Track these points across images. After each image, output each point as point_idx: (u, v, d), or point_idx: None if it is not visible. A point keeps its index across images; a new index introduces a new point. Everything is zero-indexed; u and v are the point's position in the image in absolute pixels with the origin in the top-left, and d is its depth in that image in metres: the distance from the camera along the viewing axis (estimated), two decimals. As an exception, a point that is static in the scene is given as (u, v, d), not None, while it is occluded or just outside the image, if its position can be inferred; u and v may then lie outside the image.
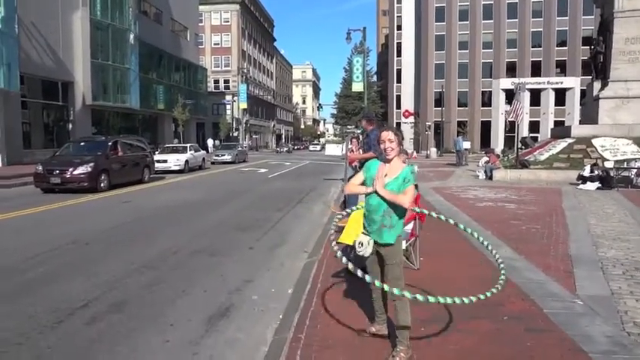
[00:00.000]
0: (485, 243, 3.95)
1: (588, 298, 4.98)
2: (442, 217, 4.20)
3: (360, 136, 14.79)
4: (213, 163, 30.52)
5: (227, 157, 33.49)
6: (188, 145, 28.28)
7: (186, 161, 25.14)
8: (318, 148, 77.35)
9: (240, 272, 6.45)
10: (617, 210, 11.20)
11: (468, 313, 4.52)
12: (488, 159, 23.39)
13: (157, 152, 26.81)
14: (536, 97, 59.43)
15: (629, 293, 5.17)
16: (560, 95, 58.99)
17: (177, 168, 24.27)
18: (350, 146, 17.67)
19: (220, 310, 5.07)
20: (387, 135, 3.65)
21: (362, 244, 3.73)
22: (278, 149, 69.77)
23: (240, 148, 38.33)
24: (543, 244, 7.50)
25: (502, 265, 3.83)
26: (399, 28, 75.42)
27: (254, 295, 5.45)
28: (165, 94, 45.09)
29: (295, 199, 14.06)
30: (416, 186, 3.56)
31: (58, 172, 15.28)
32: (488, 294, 3.48)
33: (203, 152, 29.44)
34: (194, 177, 22.83)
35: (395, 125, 57.49)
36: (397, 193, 3.56)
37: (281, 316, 4.75)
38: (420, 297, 3.24)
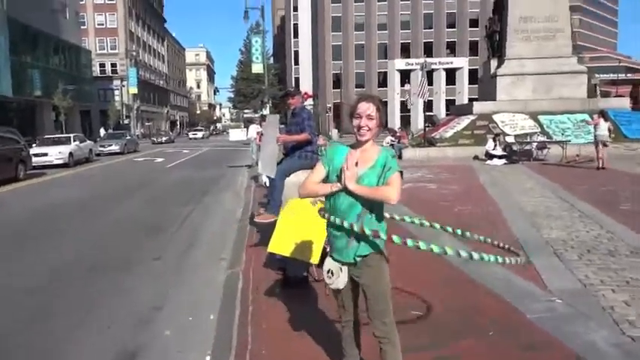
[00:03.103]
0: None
1: (563, 293, 4.36)
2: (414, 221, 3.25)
3: (267, 118, 13.62)
4: (98, 155, 27.51)
5: (114, 148, 30.37)
6: (72, 135, 25.21)
7: (71, 154, 22.29)
8: (199, 135, 64.20)
9: (146, 295, 5.12)
10: (534, 185, 11.18)
11: (449, 329, 3.69)
12: (393, 138, 23.27)
13: (34, 145, 23.63)
14: (429, 76, 61.42)
15: (601, 283, 4.65)
16: (451, 75, 61.46)
17: (60, 161, 21.42)
18: (260, 129, 16.52)
19: (123, 357, 3.78)
20: (367, 108, 2.56)
21: (332, 273, 2.66)
22: (154, 139, 50.54)
23: (129, 137, 35.00)
24: (484, 228, 6.91)
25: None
26: (295, 9, 74.27)
27: (167, 330, 4.18)
28: (42, 80, 40.24)
29: (201, 191, 12.62)
30: (401, 173, 2.51)
31: None
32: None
33: (90, 143, 26.49)
34: (81, 171, 20.28)
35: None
36: (374, 186, 2.54)
37: None
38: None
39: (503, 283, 4.69)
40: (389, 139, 24.12)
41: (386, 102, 63.87)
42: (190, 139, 61.03)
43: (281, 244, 4.45)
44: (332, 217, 2.56)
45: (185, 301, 4.89)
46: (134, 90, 63.35)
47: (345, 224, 2.49)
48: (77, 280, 5.66)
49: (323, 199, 2.76)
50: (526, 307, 4.06)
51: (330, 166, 2.66)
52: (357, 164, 2.56)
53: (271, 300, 4.52)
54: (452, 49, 65.31)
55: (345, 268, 2.65)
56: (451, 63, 61.09)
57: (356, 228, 2.46)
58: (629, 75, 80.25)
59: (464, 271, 5.15)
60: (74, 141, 23.71)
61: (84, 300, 4.99)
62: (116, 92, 63.02)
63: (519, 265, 2.72)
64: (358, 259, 2.60)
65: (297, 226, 4.55)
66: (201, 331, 4.16)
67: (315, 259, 4.33)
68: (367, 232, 2.45)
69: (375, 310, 2.66)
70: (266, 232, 6.31)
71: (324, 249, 4.54)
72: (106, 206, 10.66)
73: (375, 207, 2.58)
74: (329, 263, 2.69)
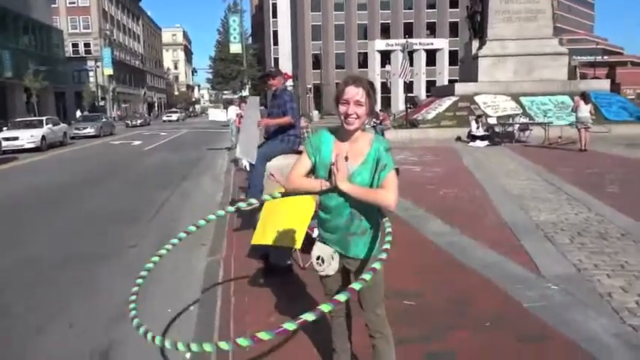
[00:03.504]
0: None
1: (558, 279, 4.22)
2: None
3: (247, 100, 13.24)
4: (73, 138, 26.70)
5: (90, 131, 29.44)
6: (44, 118, 24.35)
7: (43, 137, 21.52)
8: (174, 118, 60.59)
9: (121, 285, 4.81)
10: (517, 167, 11.10)
11: (443, 320, 3.51)
12: (375, 120, 23.04)
13: (5, 128, 22.79)
14: (409, 58, 61.16)
15: (595, 267, 4.52)
16: (431, 56, 61.24)
17: (32, 145, 20.67)
18: (240, 111, 16.10)
19: (95, 356, 3.52)
20: (356, 93, 2.25)
21: (322, 260, 2.41)
22: (129, 122, 46.51)
23: (104, 120, 34.04)
24: (472, 212, 6.79)
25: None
26: (273, -12, 72.99)
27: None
28: (12, 61, 38.75)
29: (179, 174, 12.25)
30: (397, 171, 2.24)
31: None
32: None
33: (64, 126, 25.63)
34: (54, 155, 19.63)
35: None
36: (370, 188, 2.28)
37: (188, 357, 3.34)
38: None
39: (495, 268, 4.53)
40: (371, 122, 23.91)
41: (366, 83, 63.42)
42: (164, 121, 58.10)
43: (263, 235, 4.20)
44: (323, 214, 2.30)
45: (163, 292, 4.61)
46: (109, 71, 61.67)
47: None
48: (45, 274, 5.32)
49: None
50: (521, 295, 3.90)
51: (316, 156, 2.38)
52: (346, 159, 2.30)
53: (254, 290, 4.29)
54: (432, 30, 64.97)
55: (336, 255, 2.42)
56: (431, 44, 60.83)
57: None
58: (605, 57, 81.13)
59: (452, 254, 4.99)
60: (47, 124, 22.90)
61: (51, 295, 4.67)
62: (91, 73, 61.20)
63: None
64: (353, 255, 2.38)
65: (279, 214, 4.30)
66: (180, 324, 3.91)
67: (297, 243, 4.09)
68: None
69: (369, 301, 2.46)
70: (247, 216, 6.07)
71: (308, 233, 4.31)
72: (80, 192, 10.23)
73: (369, 207, 2.33)
74: (319, 248, 2.45)
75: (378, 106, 53.09)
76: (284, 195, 2.73)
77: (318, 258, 2.42)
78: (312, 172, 2.43)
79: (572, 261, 4.69)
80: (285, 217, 4.22)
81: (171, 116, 62.26)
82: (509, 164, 11.50)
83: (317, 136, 2.45)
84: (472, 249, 5.11)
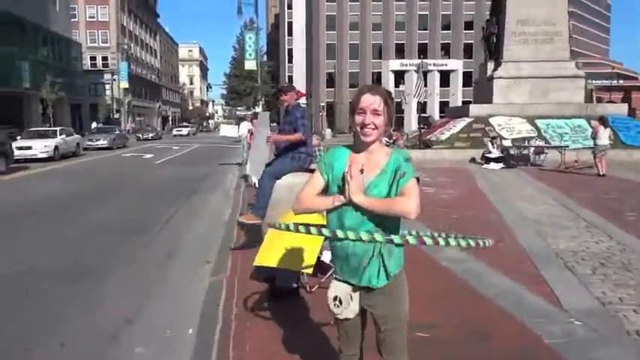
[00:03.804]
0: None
1: (580, 313, 3.94)
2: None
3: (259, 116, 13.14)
4: (86, 149, 26.93)
5: (103, 142, 29.67)
6: (58, 128, 24.52)
7: (56, 147, 21.66)
8: (184, 132, 58.81)
9: (119, 303, 4.64)
10: (534, 191, 10.81)
11: (460, 355, 3.27)
12: (387, 139, 22.87)
13: (18, 138, 22.92)
14: (423, 78, 61.22)
15: (620, 301, 4.24)
16: (445, 77, 61.27)
17: (44, 155, 20.78)
18: (252, 127, 16.02)
19: (84, 380, 3.32)
20: (373, 101, 2.08)
21: (340, 301, 2.17)
22: (140, 135, 46.35)
23: (117, 132, 34.28)
24: (486, 234, 6.51)
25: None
26: (290, 7, 73.78)
27: (138, 347, 3.70)
28: (31, 72, 39.32)
29: (188, 190, 12.11)
30: (417, 180, 2.01)
31: None
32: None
33: (77, 137, 25.79)
34: (66, 165, 19.66)
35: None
36: (386, 198, 2.07)
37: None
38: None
39: (513, 298, 4.27)
40: (383, 140, 23.71)
41: (380, 103, 63.43)
42: (174, 135, 56.68)
43: (268, 256, 3.99)
44: (339, 231, 2.08)
45: (162, 313, 4.40)
46: (125, 84, 62.35)
47: (352, 235, 2.00)
48: (41, 286, 5.13)
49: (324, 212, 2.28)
50: (542, 329, 3.63)
51: (329, 174, 2.18)
52: (362, 171, 2.11)
53: (257, 314, 4.06)
54: (446, 51, 65.12)
55: (356, 295, 2.18)
56: (445, 65, 61.02)
57: (367, 237, 1.97)
58: (621, 82, 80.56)
59: (467, 281, 4.74)
60: (60, 134, 23.09)
61: (44, 311, 4.47)
62: (107, 86, 62.01)
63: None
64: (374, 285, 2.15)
65: (287, 235, 4.09)
66: (177, 348, 3.69)
67: (308, 268, 3.88)
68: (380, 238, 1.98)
69: (391, 347, 2.21)
70: (255, 235, 5.86)
71: (319, 258, 4.11)
72: (87, 205, 10.11)
73: (387, 222, 2.10)
74: (336, 288, 2.20)
75: (391, 129, 53.09)
76: (288, 228, 2.42)
77: (335, 299, 2.17)
78: (325, 191, 2.23)
79: (594, 293, 4.41)
80: (293, 237, 4.02)
81: (181, 130, 60.95)
82: (525, 188, 11.21)
83: (331, 153, 2.26)
84: (488, 277, 4.85)
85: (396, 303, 2.20)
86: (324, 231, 2.07)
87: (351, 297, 2.17)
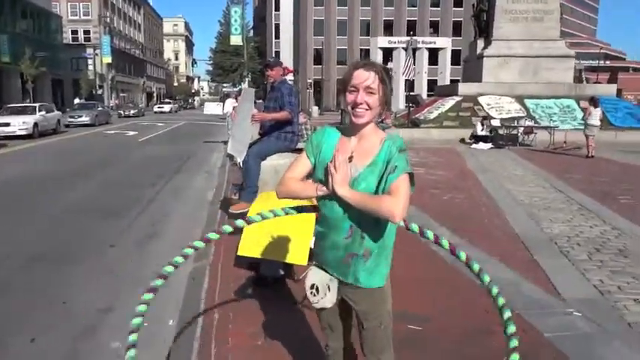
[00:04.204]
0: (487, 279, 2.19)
1: (579, 303, 3.79)
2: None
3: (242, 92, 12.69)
4: (67, 126, 26.22)
5: (85, 119, 28.78)
6: (37, 104, 23.74)
7: (36, 124, 20.97)
8: (166, 109, 55.79)
9: (95, 291, 4.39)
10: (524, 172, 10.67)
11: (455, 352, 3.08)
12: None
13: (-3, 114, 22.23)
14: (412, 56, 60.72)
15: (619, 290, 4.10)
16: (433, 55, 60.74)
17: (23, 132, 20.12)
18: (236, 104, 15.60)
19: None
20: (366, 78, 1.82)
21: (317, 289, 1.97)
22: (121, 112, 44.84)
23: (100, 108, 33.37)
24: (480, 221, 6.35)
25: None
26: (277, -19, 72.28)
27: (114, 342, 3.46)
28: (10, 45, 38.04)
29: (172, 168, 11.79)
30: (411, 176, 1.76)
31: None
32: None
33: (58, 113, 25.00)
34: (45, 143, 19.10)
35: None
36: (375, 194, 1.82)
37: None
38: None
39: (509, 287, 4.08)
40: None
41: (367, 80, 62.89)
42: (156, 112, 54.44)
43: (253, 245, 3.74)
44: (319, 227, 1.86)
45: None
46: (108, 59, 60.84)
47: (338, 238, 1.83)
48: (9, 275, 4.84)
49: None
50: (541, 322, 3.46)
51: (316, 156, 1.94)
52: (351, 159, 1.86)
53: (241, 305, 3.83)
54: (435, 28, 64.46)
55: (334, 283, 1.97)
56: (434, 43, 60.37)
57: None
58: (607, 62, 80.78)
59: (461, 268, 4.55)
60: (40, 111, 22.33)
61: (12, 302, 4.21)
62: (89, 61, 60.46)
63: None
64: (356, 283, 1.94)
65: (272, 221, 3.84)
66: (156, 342, 3.46)
67: (301, 258, 3.64)
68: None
69: (373, 345, 2.03)
70: (240, 218, 5.60)
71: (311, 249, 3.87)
72: (64, 184, 9.74)
73: (373, 221, 1.86)
74: (314, 274, 2.00)
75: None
76: (277, 214, 2.25)
77: (312, 287, 1.98)
78: (311, 175, 2.00)
79: (592, 282, 4.26)
80: (279, 223, 3.76)
81: (163, 107, 57.62)
82: (515, 169, 11.06)
83: (319, 133, 2.01)
84: (483, 264, 4.64)
85: (379, 298, 1.99)
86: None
87: (329, 286, 1.97)
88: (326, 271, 1.98)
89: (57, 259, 5.21)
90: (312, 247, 4.06)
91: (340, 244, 1.90)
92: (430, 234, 2.08)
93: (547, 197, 7.91)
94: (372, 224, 1.86)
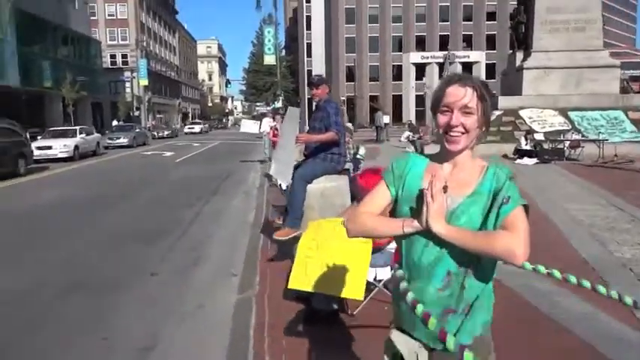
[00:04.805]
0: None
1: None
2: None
3: (281, 112, 12.57)
4: (106, 147, 26.83)
5: (123, 140, 29.49)
6: (78, 127, 24.35)
7: (76, 147, 21.45)
8: (196, 129, 55.81)
9: (138, 325, 4.15)
10: (578, 189, 10.08)
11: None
12: (410, 133, 22.20)
13: (39, 137, 22.79)
14: (449, 70, 60.14)
15: None
16: (467, 69, 59.88)
17: (64, 155, 20.58)
18: (274, 124, 15.51)
19: None
20: (462, 95, 1.52)
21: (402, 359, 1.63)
22: (155, 133, 44.78)
23: (138, 130, 34.10)
24: (542, 244, 5.85)
25: None
26: (308, 0, 73.03)
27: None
28: (52, 71, 39.43)
29: (209, 189, 11.67)
30: (526, 209, 1.41)
31: None
32: None
33: (97, 135, 25.58)
34: (86, 165, 19.43)
35: (306, 101, 55.50)
36: (480, 231, 1.50)
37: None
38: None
39: (586, 324, 3.66)
40: (407, 134, 23.01)
41: (400, 96, 62.70)
42: (186, 133, 53.83)
43: (305, 278, 3.45)
44: (403, 280, 1.53)
45: (185, 336, 3.90)
46: (144, 81, 62.48)
47: (420, 310, 1.44)
48: (45, 305, 4.64)
49: None
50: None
51: (399, 188, 1.63)
52: (445, 189, 1.54)
53: (292, 341, 3.53)
54: (468, 42, 63.81)
55: (424, 353, 1.62)
56: (468, 57, 59.67)
57: (434, 327, 1.40)
58: (649, 71, 78.01)
59: (526, 298, 4.15)
60: (80, 133, 22.88)
61: (51, 332, 4.01)
62: (127, 84, 62.22)
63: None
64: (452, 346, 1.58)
65: (324, 249, 3.55)
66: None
67: (357, 292, 3.32)
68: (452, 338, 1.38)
69: None
70: (284, 243, 5.32)
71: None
72: (104, 208, 9.69)
73: (478, 264, 1.54)
74: (398, 342, 1.65)
75: (412, 117, 52.01)
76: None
77: (395, 356, 1.64)
78: (393, 211, 1.68)
79: (683, 316, 3.78)
80: (332, 254, 3.47)
81: (193, 128, 57.85)
82: (567, 186, 10.48)
83: (402, 160, 1.69)
84: (550, 292, 4.24)
85: (483, 350, 1.61)
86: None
87: (417, 356, 1.61)
88: (411, 336, 1.64)
89: (96, 289, 5.03)
90: (370, 279, 3.76)
91: (431, 297, 1.55)
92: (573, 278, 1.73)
93: (608, 216, 7.35)
94: (476, 268, 1.53)
